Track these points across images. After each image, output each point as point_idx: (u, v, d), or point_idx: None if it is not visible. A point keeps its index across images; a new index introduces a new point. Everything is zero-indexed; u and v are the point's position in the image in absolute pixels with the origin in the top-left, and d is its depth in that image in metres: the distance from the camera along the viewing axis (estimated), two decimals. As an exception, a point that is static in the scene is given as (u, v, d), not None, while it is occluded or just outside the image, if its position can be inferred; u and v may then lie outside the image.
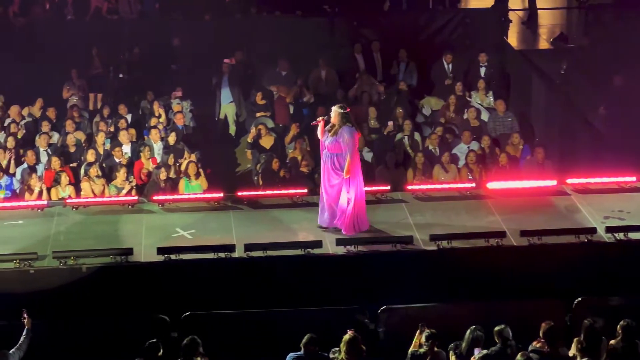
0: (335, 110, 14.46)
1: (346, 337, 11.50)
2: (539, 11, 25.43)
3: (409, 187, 16.38)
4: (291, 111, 21.00)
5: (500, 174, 17.30)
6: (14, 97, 20.74)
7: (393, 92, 21.25)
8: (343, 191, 14.47)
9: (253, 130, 19.58)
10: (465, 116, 20.03)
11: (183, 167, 17.34)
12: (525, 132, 19.79)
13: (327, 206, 14.73)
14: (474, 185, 16.33)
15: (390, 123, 19.78)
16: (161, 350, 11.69)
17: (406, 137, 18.99)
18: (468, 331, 11.72)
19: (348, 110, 14.58)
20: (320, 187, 14.82)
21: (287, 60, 22.09)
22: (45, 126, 19.32)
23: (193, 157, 18.06)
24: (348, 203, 14.49)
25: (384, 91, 21.40)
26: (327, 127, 14.50)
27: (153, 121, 19.46)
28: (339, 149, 14.38)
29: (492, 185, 16.16)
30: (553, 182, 16.20)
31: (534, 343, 11.87)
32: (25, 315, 12.23)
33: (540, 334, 11.81)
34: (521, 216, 15.08)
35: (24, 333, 12.16)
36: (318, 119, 14.75)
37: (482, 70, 21.75)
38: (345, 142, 14.30)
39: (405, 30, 23.07)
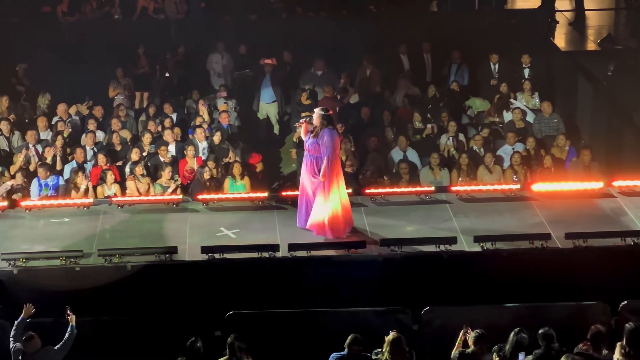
0: (317, 112, 14.50)
1: (389, 337, 11.50)
2: (586, 12, 25.30)
3: (453, 188, 16.31)
4: (338, 110, 20.96)
5: (546, 175, 17.22)
6: (61, 96, 20.90)
7: (444, 92, 21.19)
8: (320, 195, 14.45)
9: (299, 130, 19.55)
10: (510, 117, 19.92)
11: (233, 167, 17.33)
12: (571, 134, 19.65)
13: (304, 207, 14.75)
14: (518, 186, 16.24)
15: (429, 126, 19.71)
16: (203, 349, 11.76)
17: (450, 139, 18.92)
18: (512, 334, 11.66)
19: (330, 112, 14.60)
20: (299, 188, 14.85)
21: (323, 60, 22.07)
22: (91, 125, 19.44)
23: (237, 157, 18.13)
24: (328, 207, 14.46)
25: (426, 93, 21.30)
26: (309, 128, 14.52)
27: (198, 120, 19.54)
28: (318, 150, 14.39)
29: (537, 187, 16.06)
30: (599, 184, 16.08)
31: (580, 345, 11.81)
32: (69, 312, 12.35)
33: (588, 337, 11.74)
34: (566, 218, 14.99)
35: (69, 329, 12.29)
36: (301, 121, 14.85)
37: (526, 72, 21.63)
38: (325, 145, 14.29)
39: (451, 31, 22.98)
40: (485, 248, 14.17)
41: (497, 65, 21.77)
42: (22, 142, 19.06)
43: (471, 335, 11.76)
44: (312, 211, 14.59)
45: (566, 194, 15.86)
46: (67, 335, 12.27)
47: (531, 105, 20.75)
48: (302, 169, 14.81)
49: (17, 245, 14.48)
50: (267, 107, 21.58)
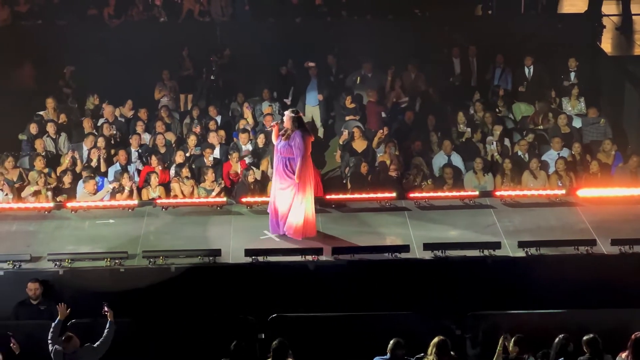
0: (287, 115, 14.55)
1: (435, 340, 11.49)
2: (633, 17, 25.06)
3: (497, 193, 16.24)
4: (383, 115, 20.92)
5: (591, 181, 17.09)
6: (108, 97, 21.05)
7: (492, 96, 21.13)
8: (295, 196, 14.49)
9: (345, 133, 19.58)
10: (555, 122, 19.80)
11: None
12: (618, 139, 19.50)
13: (277, 212, 14.74)
14: (563, 192, 16.13)
15: (469, 129, 19.65)
16: (247, 351, 11.79)
17: (495, 143, 18.82)
18: (556, 340, 11.61)
19: (300, 115, 14.64)
20: (271, 193, 14.86)
21: (370, 63, 22.07)
22: (138, 127, 19.55)
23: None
24: (302, 208, 14.54)
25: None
26: (281, 131, 14.57)
27: (242, 123, 19.59)
28: (291, 152, 14.42)
29: (583, 192, 15.94)
30: (646, 190, 15.97)
31: (621, 354, 11.71)
32: (106, 309, 12.42)
33: (629, 345, 11.64)
34: (612, 224, 14.87)
35: (107, 326, 12.39)
36: (272, 124, 14.97)
37: (572, 76, 21.50)
38: (297, 146, 14.32)
39: (495, 35, 22.89)
40: (530, 253, 14.08)
41: (531, 69, 21.65)
42: (68, 143, 19.22)
43: (511, 341, 11.72)
44: (289, 215, 14.62)
45: (612, 200, 15.73)
46: (106, 331, 12.37)
47: (577, 110, 20.62)
48: (273, 174, 14.84)
49: (63, 246, 14.59)
50: (312, 109, 21.60)
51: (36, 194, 16.81)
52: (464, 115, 20.03)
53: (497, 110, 20.63)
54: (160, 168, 17.71)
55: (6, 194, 16.83)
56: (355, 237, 14.69)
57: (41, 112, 20.58)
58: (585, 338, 11.64)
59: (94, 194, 16.83)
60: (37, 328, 12.91)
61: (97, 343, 12.27)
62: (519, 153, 18.44)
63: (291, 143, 14.38)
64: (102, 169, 18.05)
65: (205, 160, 18.04)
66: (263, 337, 12.94)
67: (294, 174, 14.40)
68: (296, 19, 23.71)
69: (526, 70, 21.71)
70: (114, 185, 16.96)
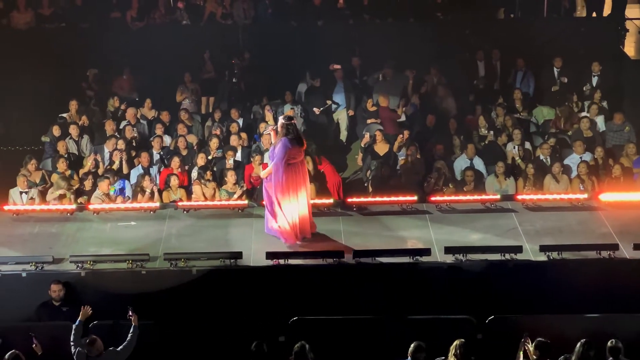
0: (280, 121, 14.57)
1: (456, 342, 11.49)
2: (657, 20, 24.99)
3: (519, 197, 16.20)
4: (403, 118, 20.90)
5: (614, 185, 17.02)
6: (129, 100, 21.11)
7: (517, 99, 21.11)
8: (286, 202, 14.56)
9: (367, 136, 19.56)
10: (578, 126, 19.74)
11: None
12: (640, 143, 19.45)
13: (271, 214, 14.79)
14: (586, 196, 16.08)
15: (491, 132, 19.60)
16: (268, 353, 11.80)
17: (516, 147, 18.78)
18: (578, 344, 11.56)
19: (293, 121, 14.61)
20: (264, 195, 14.87)
21: (391, 66, 22.05)
22: (159, 129, 19.61)
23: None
24: (296, 214, 14.61)
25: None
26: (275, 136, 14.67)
27: (262, 126, 19.61)
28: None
29: (605, 196, 15.88)
30: (669, 195, 15.90)
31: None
32: (131, 313, 12.46)
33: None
34: (635, 229, 14.81)
35: (131, 330, 12.43)
36: (269, 129, 14.98)
37: (595, 80, 21.43)
38: (276, 151, 14.40)
39: (518, 39, 22.84)
40: (552, 258, 14.05)
41: (559, 71, 21.59)
42: (90, 145, 19.29)
43: (531, 345, 11.69)
44: (275, 219, 14.73)
45: (635, 204, 15.66)
46: (129, 335, 12.41)
47: (599, 114, 20.51)
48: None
49: (85, 248, 14.65)
50: (339, 113, 21.59)
51: (61, 197, 16.86)
52: (485, 120, 19.98)
53: (517, 114, 20.56)
54: (180, 170, 17.73)
55: (31, 197, 16.90)
56: (377, 241, 14.68)
57: (64, 114, 20.66)
58: (608, 344, 11.59)
59: (108, 194, 16.85)
60: (59, 329, 12.96)
61: (121, 347, 12.31)
62: (541, 157, 18.39)
63: (275, 148, 14.46)
64: (124, 170, 18.09)
65: (227, 163, 18.05)
66: (284, 339, 12.94)
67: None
68: (318, 21, 23.71)
69: (555, 71, 21.65)
70: (60, 192, 16.97)
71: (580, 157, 18.13)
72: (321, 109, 20.96)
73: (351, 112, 21.43)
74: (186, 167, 18.21)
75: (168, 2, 24.28)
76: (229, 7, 24.10)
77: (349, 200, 16.13)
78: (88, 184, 17.34)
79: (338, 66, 22.35)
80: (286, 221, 14.61)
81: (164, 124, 19.96)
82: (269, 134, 14.99)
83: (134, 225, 15.52)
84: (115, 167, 18.09)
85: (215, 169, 18.04)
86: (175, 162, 17.84)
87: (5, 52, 22.24)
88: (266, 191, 14.73)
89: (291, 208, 14.58)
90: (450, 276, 14.00)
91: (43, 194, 17.03)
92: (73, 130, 19.45)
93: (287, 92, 21.37)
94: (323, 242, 14.78)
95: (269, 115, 20.31)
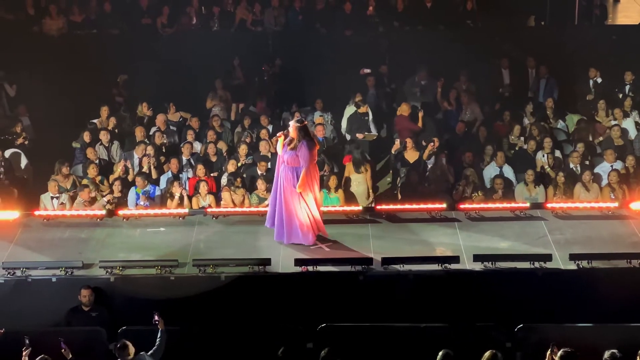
0: (292, 124, 14.54)
1: (487, 354, 11.42)
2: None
3: (549, 205, 16.13)
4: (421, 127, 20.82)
5: (645, 194, 16.95)
6: (160, 106, 21.20)
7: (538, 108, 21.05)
8: (297, 203, 14.54)
9: (397, 142, 19.52)
10: (608, 135, 19.65)
11: (328, 180, 17.36)
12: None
13: (283, 221, 14.76)
14: (616, 204, 15.99)
15: (522, 138, 19.52)
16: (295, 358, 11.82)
17: (546, 155, 18.71)
18: (607, 353, 11.47)
19: (305, 123, 14.65)
20: (276, 202, 14.83)
21: (426, 71, 22.03)
22: (189, 135, 19.66)
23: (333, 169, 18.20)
24: (307, 215, 14.60)
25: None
26: (286, 141, 14.58)
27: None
28: (297, 162, 14.44)
29: (636, 205, 15.79)
30: (700, 204, 15.79)
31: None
32: (157, 318, 12.49)
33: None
34: (666, 238, 14.75)
35: (159, 335, 12.46)
36: (278, 134, 14.93)
37: (627, 89, 21.33)
38: (303, 157, 14.35)
39: (549, 46, 22.77)
40: (581, 266, 13.98)
41: (594, 81, 21.50)
42: (120, 151, 19.38)
43: (558, 354, 11.62)
44: (296, 222, 14.70)
45: (666, 213, 15.60)
46: (158, 340, 12.44)
47: (631, 122, 20.42)
48: (278, 182, 14.78)
49: (114, 254, 14.70)
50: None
51: (93, 201, 16.92)
52: (519, 128, 19.89)
53: (548, 121, 20.49)
54: (207, 177, 17.76)
55: (62, 203, 16.99)
56: (405, 248, 14.66)
57: (95, 120, 20.78)
58: (638, 356, 11.50)
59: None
60: (88, 334, 13.03)
61: (151, 351, 12.34)
62: (571, 165, 18.31)
63: (298, 153, 14.43)
64: (154, 176, 18.16)
65: (259, 170, 18.04)
66: (311, 346, 12.93)
67: None
68: (348, 29, 23.71)
69: (590, 81, 21.57)
70: (107, 199, 17.00)
71: (611, 166, 18.05)
72: (365, 134, 20.67)
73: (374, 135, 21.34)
74: (212, 174, 18.22)
75: (200, 9, 24.36)
76: (259, 14, 24.17)
77: (378, 207, 16.12)
78: (116, 190, 17.40)
79: (368, 70, 22.38)
80: (307, 219, 14.64)
81: (194, 130, 20.00)
82: (277, 138, 14.93)
83: (163, 231, 15.57)
84: (145, 171, 18.14)
85: (245, 175, 18.06)
86: (200, 169, 17.84)
87: (37, 58, 22.37)
88: (284, 197, 14.72)
89: (310, 206, 14.63)
90: (478, 284, 13.96)
91: (74, 199, 17.10)
92: (103, 136, 19.56)
93: (317, 100, 21.36)
94: (351, 249, 14.77)
95: (264, 120, 20.29)
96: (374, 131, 20.62)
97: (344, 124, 21.03)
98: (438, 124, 21.08)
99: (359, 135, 20.37)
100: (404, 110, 20.76)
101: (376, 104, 21.62)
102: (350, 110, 21.03)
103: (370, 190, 18.49)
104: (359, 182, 18.41)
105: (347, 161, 18.88)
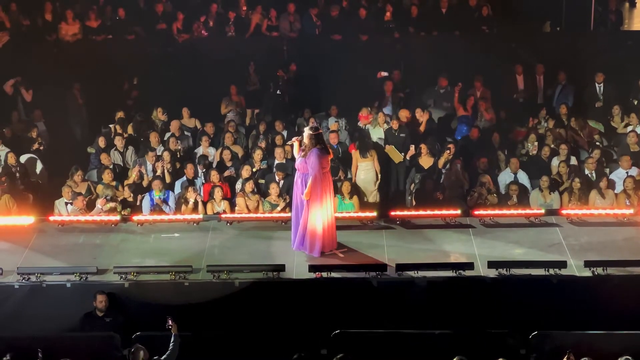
0: (306, 132, 14.54)
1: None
2: None
3: (564, 211, 16.09)
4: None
5: (661, 201, 16.88)
6: (175, 111, 21.21)
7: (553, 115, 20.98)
8: (308, 212, 14.51)
9: (412, 148, 19.46)
10: (624, 141, 19.58)
11: (342, 186, 17.35)
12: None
13: (298, 228, 14.76)
14: (631, 211, 15.94)
15: (536, 143, 19.47)
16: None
17: (560, 162, 18.63)
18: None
19: (320, 131, 14.64)
20: (292, 208, 14.89)
21: (446, 77, 21.99)
22: (204, 141, 19.65)
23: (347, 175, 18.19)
24: (316, 226, 14.57)
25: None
26: (301, 147, 14.60)
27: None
28: (307, 169, 14.47)
29: (652, 212, 15.78)
30: None
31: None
32: (170, 322, 12.50)
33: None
34: (682, 245, 14.69)
35: (172, 339, 12.47)
36: (293, 139, 14.97)
37: (642, 95, 21.30)
38: (311, 165, 14.36)
39: (564, 52, 22.71)
40: (596, 273, 13.94)
41: (602, 86, 21.44)
42: (135, 157, 19.40)
43: (573, 360, 11.62)
44: (304, 231, 14.69)
45: (682, 220, 15.54)
46: (171, 345, 12.46)
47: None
48: (294, 191, 14.88)
49: (128, 259, 14.74)
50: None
51: (112, 210, 16.93)
52: (535, 135, 19.83)
53: (564, 127, 20.43)
54: (221, 182, 17.76)
55: (80, 209, 17.01)
56: (420, 254, 14.65)
57: (110, 126, 20.82)
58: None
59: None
60: (101, 340, 13.05)
61: (164, 356, 12.35)
62: (586, 172, 18.24)
63: (307, 160, 14.43)
64: (167, 180, 18.16)
65: (276, 176, 18.00)
66: (325, 352, 12.93)
67: None
68: (364, 34, 23.70)
69: (597, 87, 21.51)
70: (101, 204, 17.00)
71: (627, 172, 17.97)
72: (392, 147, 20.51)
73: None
74: (226, 174, 18.20)
75: (215, 14, 24.39)
76: (274, 20, 24.18)
77: (392, 213, 16.11)
78: (129, 195, 17.44)
79: (385, 73, 22.37)
80: (316, 229, 14.62)
81: (209, 136, 19.99)
82: (292, 144, 14.94)
83: (177, 236, 15.60)
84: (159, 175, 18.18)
85: (259, 181, 18.06)
86: (215, 175, 17.84)
87: (53, 64, 22.42)
88: (295, 204, 14.74)
89: (319, 218, 14.60)
90: (493, 290, 13.93)
91: (87, 205, 17.13)
92: (118, 142, 19.59)
93: (332, 106, 21.33)
94: (365, 255, 14.77)
95: (279, 126, 20.31)
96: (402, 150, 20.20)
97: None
98: (442, 127, 21.04)
99: (388, 147, 20.17)
100: (402, 115, 20.70)
101: (394, 110, 21.53)
102: (377, 131, 20.80)
103: (379, 174, 18.51)
104: (367, 169, 18.48)
105: (353, 149, 18.88)
